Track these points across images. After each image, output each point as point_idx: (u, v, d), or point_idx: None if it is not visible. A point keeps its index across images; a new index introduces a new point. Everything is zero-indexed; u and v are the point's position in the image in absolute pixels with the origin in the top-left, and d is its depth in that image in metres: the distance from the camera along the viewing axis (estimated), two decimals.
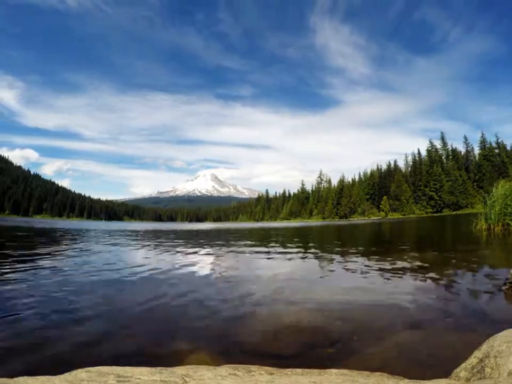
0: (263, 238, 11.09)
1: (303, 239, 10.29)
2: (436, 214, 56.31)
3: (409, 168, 73.16)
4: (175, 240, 9.81)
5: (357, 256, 5.15)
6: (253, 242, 8.93)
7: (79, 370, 1.07)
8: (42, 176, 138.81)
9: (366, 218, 65.60)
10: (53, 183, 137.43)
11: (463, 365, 1.20)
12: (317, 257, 5.31)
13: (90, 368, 1.09)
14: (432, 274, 3.37)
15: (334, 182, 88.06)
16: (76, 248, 6.68)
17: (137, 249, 7.04)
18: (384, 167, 77.76)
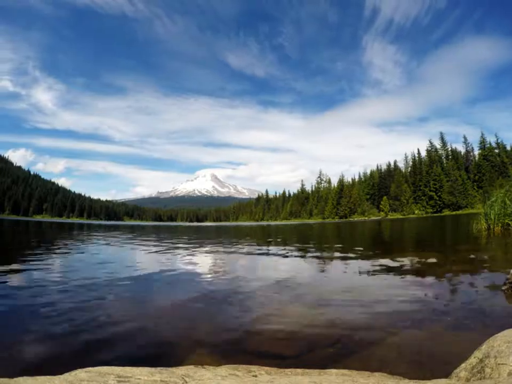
0: (271, 235, 11.13)
1: (304, 237, 10.28)
2: (435, 214, 56.29)
3: (409, 168, 73.08)
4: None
5: (357, 255, 5.15)
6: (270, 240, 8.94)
7: (79, 370, 1.07)
8: (42, 176, 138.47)
9: (366, 218, 65.56)
10: (53, 183, 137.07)
11: (463, 365, 1.20)
12: (317, 256, 5.31)
13: (90, 368, 1.08)
14: (432, 274, 3.37)
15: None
16: None
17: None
18: (384, 167, 77.75)
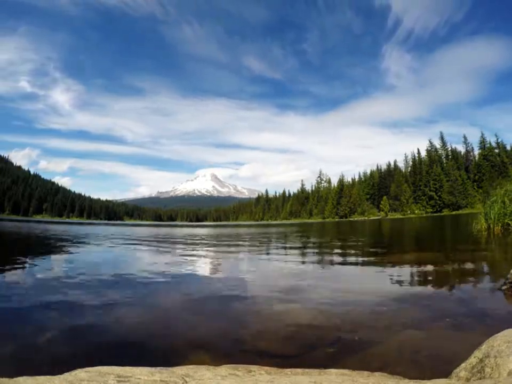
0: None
1: (304, 236, 10.28)
2: (435, 214, 56.28)
3: (409, 168, 73.06)
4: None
5: (357, 256, 5.15)
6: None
7: (79, 370, 1.07)
8: (42, 176, 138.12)
9: (366, 218, 65.53)
10: (53, 183, 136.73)
11: (463, 365, 1.20)
12: (317, 256, 5.31)
13: (90, 368, 1.08)
14: (431, 274, 3.37)
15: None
16: None
17: None
18: (384, 167, 77.79)
